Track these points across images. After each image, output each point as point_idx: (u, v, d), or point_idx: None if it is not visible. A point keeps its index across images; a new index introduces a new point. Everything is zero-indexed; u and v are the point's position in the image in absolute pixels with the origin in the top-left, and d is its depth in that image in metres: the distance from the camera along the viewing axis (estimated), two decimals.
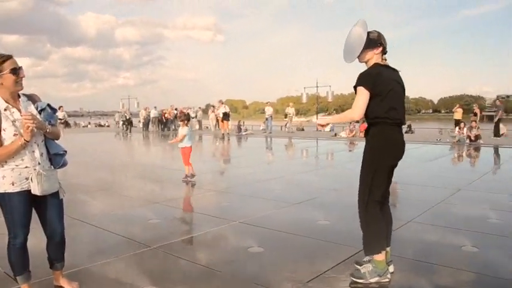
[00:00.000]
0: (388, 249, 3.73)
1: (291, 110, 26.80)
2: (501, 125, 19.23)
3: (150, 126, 32.09)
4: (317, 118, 3.67)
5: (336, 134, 23.08)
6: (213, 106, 33.07)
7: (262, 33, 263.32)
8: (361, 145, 10.60)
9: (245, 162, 12.65)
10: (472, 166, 12.27)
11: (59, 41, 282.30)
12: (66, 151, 3.35)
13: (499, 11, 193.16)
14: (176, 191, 7.94)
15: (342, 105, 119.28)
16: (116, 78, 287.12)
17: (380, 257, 3.56)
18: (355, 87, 3.53)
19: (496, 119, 19.17)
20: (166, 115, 31.54)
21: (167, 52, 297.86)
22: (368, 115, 3.55)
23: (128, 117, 33.46)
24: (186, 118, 9.27)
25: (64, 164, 3.32)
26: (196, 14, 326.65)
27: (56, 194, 3.26)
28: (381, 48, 3.59)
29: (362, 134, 22.04)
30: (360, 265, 3.67)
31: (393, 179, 3.75)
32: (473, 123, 17.77)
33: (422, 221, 5.42)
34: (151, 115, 32.01)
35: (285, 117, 28.17)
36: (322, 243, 4.61)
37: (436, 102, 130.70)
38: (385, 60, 3.66)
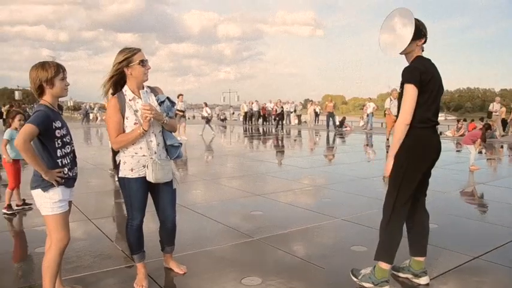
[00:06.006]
0: (422, 259, 3.54)
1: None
2: None
3: (253, 120, 32.56)
4: None
5: (440, 133, 21.84)
6: (312, 101, 32.91)
7: (362, 27, 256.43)
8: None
9: (347, 159, 12.42)
10: None
11: (166, 37, 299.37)
12: (181, 143, 3.50)
13: None
14: (275, 184, 8.01)
15: (448, 102, 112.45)
16: (217, 73, 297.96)
17: (384, 265, 3.40)
18: (402, 84, 3.26)
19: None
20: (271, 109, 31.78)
21: (266, 47, 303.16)
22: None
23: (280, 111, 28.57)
24: (11, 115, 5.86)
25: (179, 156, 3.47)
26: (296, 9, 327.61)
27: (170, 183, 3.43)
28: (423, 40, 3.31)
29: None
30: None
31: None
32: None
33: None
34: (254, 109, 32.52)
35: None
36: (430, 248, 4.36)
37: None
38: (423, 51, 3.37)
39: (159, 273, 3.70)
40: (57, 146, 2.89)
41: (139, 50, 3.24)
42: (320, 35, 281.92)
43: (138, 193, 3.31)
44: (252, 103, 32.94)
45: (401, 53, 3.33)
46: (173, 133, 3.51)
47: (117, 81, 3.30)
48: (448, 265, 3.89)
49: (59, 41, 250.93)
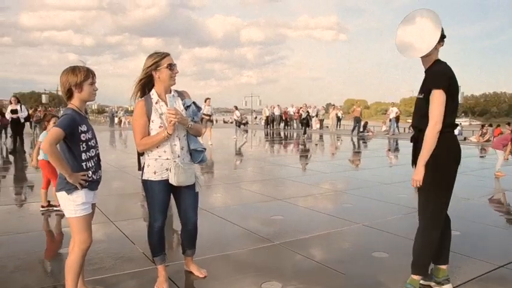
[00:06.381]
0: (445, 267, 3.46)
1: None
2: None
3: (274, 124, 32.61)
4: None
5: (465, 139, 21.46)
6: (334, 105, 32.78)
7: (385, 31, 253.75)
8: (494, 151, 9.73)
9: (369, 164, 12.32)
10: None
11: (189, 42, 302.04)
12: (205, 148, 3.53)
13: None
14: (296, 189, 8.00)
15: (473, 106, 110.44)
16: (239, 77, 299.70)
17: (417, 277, 3.37)
18: (427, 90, 3.16)
19: None
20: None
21: (289, 52, 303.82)
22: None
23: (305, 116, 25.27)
24: (47, 118, 6.02)
25: (203, 160, 3.50)
26: (319, 13, 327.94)
27: (192, 186, 3.46)
28: (442, 43, 3.23)
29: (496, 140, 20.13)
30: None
31: None
32: None
33: None
34: (276, 113, 32.52)
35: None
36: (452, 256, 4.29)
37: None
38: None
39: (179, 276, 3.73)
40: (82, 149, 2.95)
41: (168, 55, 3.32)
42: (343, 39, 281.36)
43: (160, 195, 3.36)
44: (274, 107, 32.93)
45: (421, 56, 3.25)
46: (198, 137, 3.56)
47: (146, 85, 3.38)
48: (471, 274, 3.81)
49: (85, 45, 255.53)
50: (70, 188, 2.90)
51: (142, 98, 3.34)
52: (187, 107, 3.42)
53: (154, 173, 3.32)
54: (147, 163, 3.35)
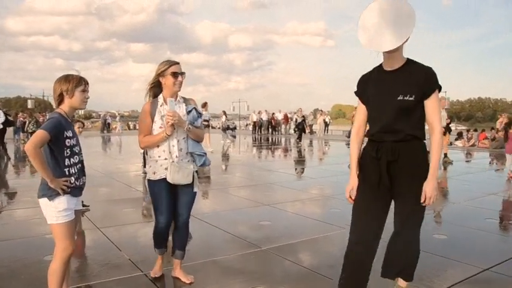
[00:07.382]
0: None
1: None
2: None
3: (262, 129, 32.61)
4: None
5: (451, 143, 21.66)
6: (321, 110, 32.93)
7: None
8: (479, 156, 9.84)
9: None
10: None
11: (177, 48, 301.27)
12: (205, 153, 3.66)
13: None
14: (284, 194, 7.99)
15: (458, 112, 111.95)
16: (227, 83, 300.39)
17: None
18: (422, 89, 2.74)
19: None
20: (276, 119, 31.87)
21: (277, 57, 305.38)
22: (420, 126, 2.85)
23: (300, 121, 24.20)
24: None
25: (205, 164, 3.66)
26: (307, 19, 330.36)
27: (190, 185, 3.59)
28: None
29: (481, 144, 20.50)
30: None
31: None
32: None
33: None
34: (264, 118, 32.54)
35: None
36: (439, 259, 4.32)
37: None
38: None
39: (166, 282, 3.70)
40: (65, 155, 2.91)
41: (175, 63, 3.53)
42: (331, 45, 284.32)
43: (160, 193, 3.53)
44: (261, 113, 32.95)
45: (390, 51, 2.75)
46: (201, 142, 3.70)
47: (155, 88, 3.61)
48: (457, 277, 3.84)
49: (73, 50, 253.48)
50: (52, 195, 2.86)
51: (150, 101, 3.59)
52: (188, 112, 3.59)
53: (154, 173, 3.53)
54: (149, 164, 3.59)
